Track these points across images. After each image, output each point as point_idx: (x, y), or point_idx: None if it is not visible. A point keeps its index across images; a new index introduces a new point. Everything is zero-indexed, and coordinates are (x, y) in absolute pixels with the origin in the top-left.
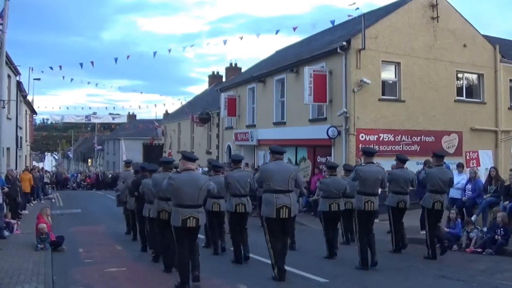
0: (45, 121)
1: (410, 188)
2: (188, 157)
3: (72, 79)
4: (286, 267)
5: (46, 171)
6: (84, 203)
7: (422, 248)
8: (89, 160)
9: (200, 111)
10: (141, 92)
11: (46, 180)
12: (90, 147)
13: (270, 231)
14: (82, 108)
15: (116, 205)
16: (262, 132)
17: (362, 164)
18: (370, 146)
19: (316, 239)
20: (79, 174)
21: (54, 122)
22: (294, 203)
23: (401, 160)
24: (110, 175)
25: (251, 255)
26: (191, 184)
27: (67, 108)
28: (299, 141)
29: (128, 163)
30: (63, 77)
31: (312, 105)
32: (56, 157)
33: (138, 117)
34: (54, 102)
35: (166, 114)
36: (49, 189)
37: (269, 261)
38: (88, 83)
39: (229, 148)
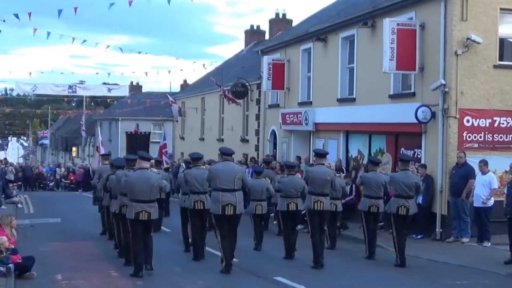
0: (8, 92)
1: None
2: (143, 157)
3: (48, 34)
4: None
5: (9, 163)
6: (65, 210)
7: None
8: (74, 149)
9: (233, 82)
10: (147, 53)
11: (9, 176)
12: (75, 130)
13: (218, 227)
14: (62, 73)
15: (92, 203)
16: (321, 113)
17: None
18: (477, 134)
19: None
20: (58, 169)
21: (22, 94)
22: (239, 201)
23: (373, 163)
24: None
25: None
26: (143, 181)
27: (42, 73)
28: (375, 126)
29: (106, 156)
30: (35, 29)
31: (394, 74)
32: (25, 144)
33: (144, 89)
34: (21, 66)
35: (185, 85)
36: (13, 189)
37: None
38: (73, 39)
39: (274, 134)
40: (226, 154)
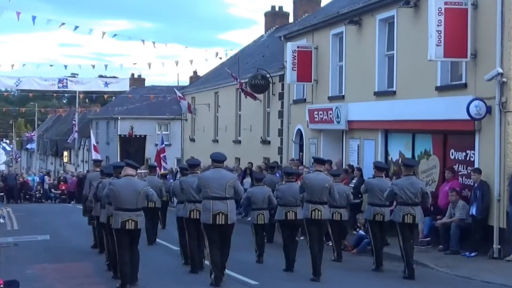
0: None
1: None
2: (129, 164)
3: (34, 18)
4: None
5: None
6: (55, 225)
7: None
8: (65, 154)
9: (251, 74)
10: (153, 42)
11: None
12: (67, 132)
13: (209, 238)
14: (52, 66)
15: (82, 214)
16: (355, 109)
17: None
18: None
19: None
20: (47, 177)
21: (3, 89)
22: (231, 210)
23: (379, 169)
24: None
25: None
26: (129, 189)
27: (24, 66)
28: (419, 124)
29: (98, 163)
30: (18, 13)
31: (441, 62)
32: (8, 148)
33: (148, 83)
34: (3, 56)
35: (195, 78)
36: None
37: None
38: (62, 24)
39: (300, 134)
40: (217, 161)
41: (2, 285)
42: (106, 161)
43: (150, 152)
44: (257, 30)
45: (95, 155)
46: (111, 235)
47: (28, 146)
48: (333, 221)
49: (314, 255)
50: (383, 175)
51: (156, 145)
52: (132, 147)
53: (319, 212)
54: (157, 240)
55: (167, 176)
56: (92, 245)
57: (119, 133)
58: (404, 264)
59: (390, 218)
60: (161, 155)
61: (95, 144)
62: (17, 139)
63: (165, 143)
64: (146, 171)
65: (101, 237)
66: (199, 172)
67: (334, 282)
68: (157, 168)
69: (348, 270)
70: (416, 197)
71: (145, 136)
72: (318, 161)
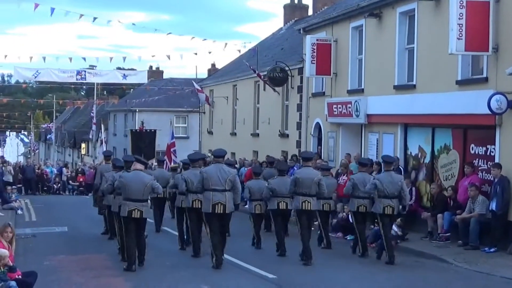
0: (6, 78)
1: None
2: (138, 160)
3: (52, 10)
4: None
5: (7, 162)
6: (72, 217)
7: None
8: (83, 146)
9: (270, 67)
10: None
11: (7, 177)
12: (85, 124)
13: (209, 225)
14: (71, 59)
15: (93, 204)
16: (374, 102)
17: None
18: None
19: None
20: (65, 169)
21: (22, 81)
22: (229, 200)
23: (362, 164)
24: None
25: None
26: (137, 182)
27: (44, 58)
28: (439, 118)
29: (108, 156)
30: (36, 5)
31: (462, 56)
32: (26, 140)
33: (166, 75)
34: (21, 48)
35: (213, 70)
36: (12, 192)
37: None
38: (81, 16)
39: (318, 128)
40: (217, 156)
41: (20, 276)
42: (124, 153)
43: (165, 145)
44: (276, 23)
45: (105, 148)
46: (120, 223)
47: (46, 137)
48: (323, 211)
49: (304, 240)
50: (366, 170)
51: (177, 137)
52: (143, 142)
53: (309, 203)
54: (164, 228)
55: (176, 170)
56: (102, 232)
57: (130, 128)
58: (385, 251)
59: (371, 209)
60: (171, 149)
61: (105, 138)
62: (35, 130)
63: (183, 135)
64: (156, 164)
65: (112, 225)
66: (197, 166)
67: (330, 267)
68: (167, 161)
69: (332, 254)
70: (396, 191)
71: (155, 130)
72: (306, 158)
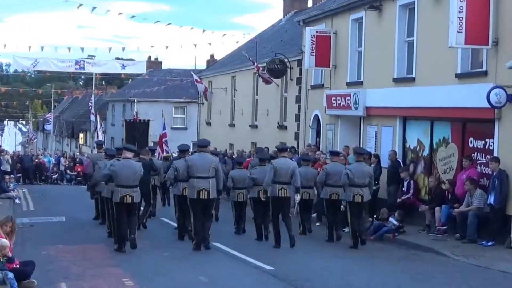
0: (4, 68)
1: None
2: (127, 148)
3: None
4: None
5: (5, 151)
6: (70, 207)
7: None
8: (81, 135)
9: (269, 58)
10: (168, 24)
11: (5, 167)
12: (83, 114)
13: (193, 210)
14: (70, 48)
15: (86, 189)
16: (373, 95)
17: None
18: None
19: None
20: (63, 158)
21: (20, 70)
22: (212, 187)
23: (333, 153)
24: None
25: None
26: (127, 169)
27: (42, 48)
28: (438, 111)
29: (100, 145)
30: None
31: (462, 49)
32: (24, 129)
33: (164, 66)
34: (20, 37)
35: (212, 62)
36: (10, 182)
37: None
38: (80, 6)
39: (317, 120)
40: (201, 146)
41: (18, 266)
42: (122, 143)
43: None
44: (275, 14)
45: (100, 136)
46: (112, 208)
47: (44, 127)
48: (302, 199)
49: (275, 227)
50: (338, 160)
51: (171, 128)
52: (137, 131)
53: (285, 191)
54: (161, 218)
55: (169, 159)
56: (93, 217)
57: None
58: (350, 236)
59: (342, 197)
60: (163, 139)
61: (99, 128)
62: (33, 120)
63: (181, 126)
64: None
65: (103, 210)
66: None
67: (327, 258)
68: (159, 150)
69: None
70: (365, 180)
71: (148, 120)
72: (282, 150)
